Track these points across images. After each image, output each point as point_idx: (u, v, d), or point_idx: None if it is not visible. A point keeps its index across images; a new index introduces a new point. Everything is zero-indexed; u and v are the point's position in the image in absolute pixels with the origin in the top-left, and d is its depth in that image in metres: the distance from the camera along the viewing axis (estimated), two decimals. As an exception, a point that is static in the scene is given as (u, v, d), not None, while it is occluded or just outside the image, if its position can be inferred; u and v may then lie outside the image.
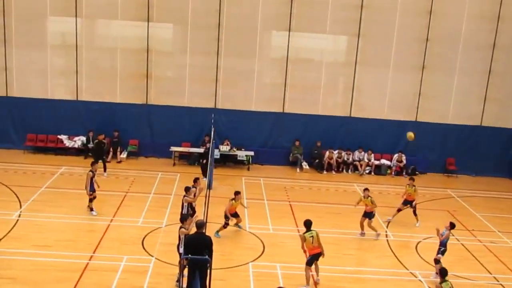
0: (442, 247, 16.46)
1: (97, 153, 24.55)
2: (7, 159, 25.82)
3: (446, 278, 13.45)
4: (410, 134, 21.21)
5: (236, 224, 19.23)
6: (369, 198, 19.21)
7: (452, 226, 16.55)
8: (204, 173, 24.58)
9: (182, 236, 14.07)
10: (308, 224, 15.53)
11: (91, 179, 19.56)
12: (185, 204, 17.83)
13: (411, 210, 20.83)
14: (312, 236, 15.32)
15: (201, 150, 26.28)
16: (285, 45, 27.27)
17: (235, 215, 18.94)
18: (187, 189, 17.97)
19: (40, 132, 27.48)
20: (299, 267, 16.10)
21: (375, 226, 19.41)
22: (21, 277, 14.87)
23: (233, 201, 18.70)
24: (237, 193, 18.91)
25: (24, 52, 27.17)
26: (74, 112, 27.40)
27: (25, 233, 17.64)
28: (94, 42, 27.75)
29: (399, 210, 20.90)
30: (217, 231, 18.35)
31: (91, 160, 25.25)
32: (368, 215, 19.25)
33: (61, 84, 27.69)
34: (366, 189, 19.61)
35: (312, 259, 15.43)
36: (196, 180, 19.01)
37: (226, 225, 18.60)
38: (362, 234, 19.39)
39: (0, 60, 27.03)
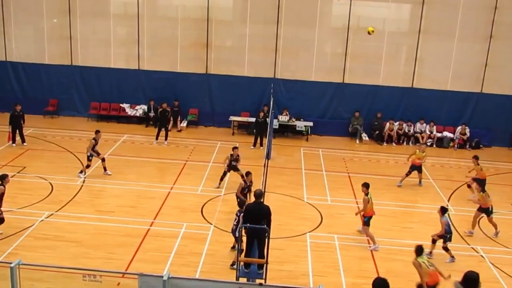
0: (447, 234, 15.41)
1: (160, 122, 24.96)
2: (72, 126, 26.64)
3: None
4: (371, 29, 20.49)
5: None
6: (424, 153, 20.85)
7: (443, 210, 15.40)
8: (254, 143, 24.68)
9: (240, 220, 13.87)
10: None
11: (93, 146, 19.98)
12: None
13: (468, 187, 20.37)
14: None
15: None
16: (346, 14, 26.78)
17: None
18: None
19: (103, 100, 28.16)
20: (356, 239, 16.13)
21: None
22: (85, 241, 15.36)
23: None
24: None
25: (88, 22, 27.70)
26: (135, 81, 27.88)
27: (89, 198, 18.21)
28: (155, 11, 27.97)
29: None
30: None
31: (152, 128, 26.12)
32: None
33: (123, 53, 28.16)
34: (422, 144, 19.52)
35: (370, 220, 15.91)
36: (234, 148, 19.29)
37: None
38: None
39: (64, 29, 27.66)
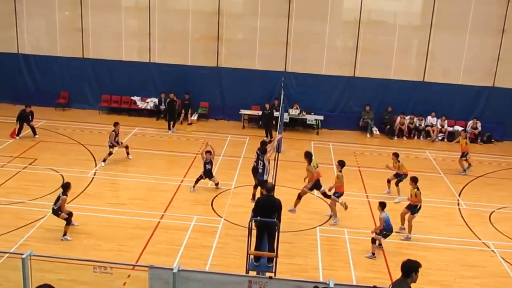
0: (386, 232, 15.20)
1: (169, 112, 25.25)
2: (84, 119, 26.73)
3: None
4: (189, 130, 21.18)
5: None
6: (466, 140, 21.94)
7: (382, 206, 15.16)
8: (266, 134, 24.85)
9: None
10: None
11: (115, 137, 20.69)
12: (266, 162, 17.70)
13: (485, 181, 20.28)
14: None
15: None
16: (357, 7, 26.62)
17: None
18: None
19: (115, 93, 28.21)
20: (366, 233, 16.04)
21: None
22: (96, 233, 15.48)
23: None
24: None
25: (99, 14, 27.74)
26: (146, 74, 27.90)
27: (100, 190, 18.29)
28: (166, 4, 28.00)
29: None
30: None
31: (163, 121, 26.23)
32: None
33: (134, 46, 28.23)
34: (463, 130, 22.73)
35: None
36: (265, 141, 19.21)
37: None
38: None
39: (76, 21, 27.74)
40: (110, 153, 20.80)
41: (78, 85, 28.28)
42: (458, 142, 23.00)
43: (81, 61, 28.08)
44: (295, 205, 17.18)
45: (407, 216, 16.39)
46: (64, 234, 15.06)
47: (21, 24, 28.06)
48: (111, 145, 20.72)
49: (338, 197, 16.96)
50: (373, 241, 15.25)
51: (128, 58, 28.09)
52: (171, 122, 25.56)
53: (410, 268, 8.50)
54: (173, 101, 25.58)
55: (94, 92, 28.42)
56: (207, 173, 18.83)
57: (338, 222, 16.94)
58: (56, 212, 15.19)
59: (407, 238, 16.22)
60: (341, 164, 17.11)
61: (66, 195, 15.26)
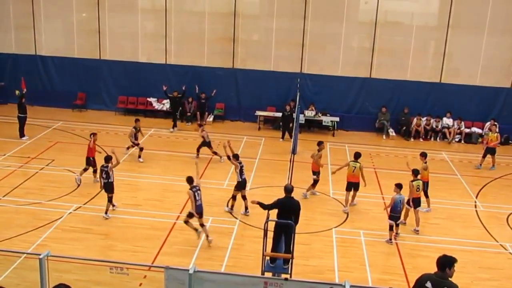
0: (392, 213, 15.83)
1: (173, 109, 26.01)
2: (100, 120, 26.84)
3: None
4: None
5: None
6: (496, 133, 22.41)
7: (399, 187, 15.85)
8: (282, 136, 24.85)
9: None
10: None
11: (134, 134, 21.19)
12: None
13: (502, 183, 20.08)
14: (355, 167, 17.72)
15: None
16: (373, 8, 26.48)
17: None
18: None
19: (131, 94, 28.31)
20: (382, 234, 16.03)
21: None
22: (112, 233, 15.63)
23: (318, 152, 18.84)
24: (320, 143, 19.09)
25: (116, 16, 27.89)
26: (162, 75, 27.87)
27: (116, 191, 18.01)
28: (182, 6, 28.04)
29: None
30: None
31: (178, 122, 26.34)
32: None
33: (151, 47, 28.30)
34: (494, 123, 23.01)
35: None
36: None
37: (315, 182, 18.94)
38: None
39: (93, 23, 27.89)
40: (136, 145, 21.35)
41: (94, 86, 28.44)
42: (482, 139, 22.95)
43: (98, 63, 28.25)
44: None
45: (411, 211, 16.70)
46: (106, 212, 16.50)
47: (38, 25, 28.27)
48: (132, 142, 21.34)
49: (315, 176, 18.97)
50: (390, 227, 15.72)
51: (144, 59, 28.22)
52: (175, 120, 26.07)
53: (446, 263, 8.81)
54: (175, 99, 25.87)
55: (110, 93, 28.54)
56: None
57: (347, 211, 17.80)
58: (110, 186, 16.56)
59: (416, 231, 16.61)
60: (319, 143, 18.97)
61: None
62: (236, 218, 16.92)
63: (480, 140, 26.25)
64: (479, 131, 26.68)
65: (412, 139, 26.61)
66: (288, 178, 15.40)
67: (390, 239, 15.78)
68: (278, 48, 27.50)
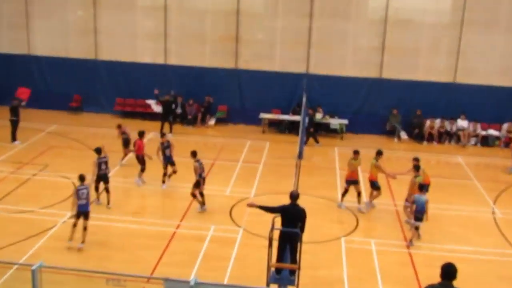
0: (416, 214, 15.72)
1: (162, 114, 24.98)
2: (96, 123, 26.43)
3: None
4: None
5: None
6: None
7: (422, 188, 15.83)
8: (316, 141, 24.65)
9: None
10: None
11: (163, 150, 19.06)
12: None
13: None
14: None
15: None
16: (383, 5, 25.95)
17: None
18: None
19: (129, 96, 27.79)
20: (394, 244, 15.73)
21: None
22: (109, 243, 15.24)
23: (353, 160, 17.98)
24: (356, 152, 18.20)
25: (113, 14, 27.45)
26: (162, 76, 27.31)
27: (114, 198, 17.65)
28: (183, 4, 27.53)
29: None
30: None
31: (179, 126, 26.41)
32: None
33: (150, 47, 27.83)
34: None
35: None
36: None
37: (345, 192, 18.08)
38: None
39: (89, 22, 27.49)
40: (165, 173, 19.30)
41: (91, 88, 27.89)
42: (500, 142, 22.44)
43: (95, 63, 27.78)
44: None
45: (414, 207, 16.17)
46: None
47: (32, 25, 27.82)
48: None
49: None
50: (416, 228, 15.66)
51: (143, 59, 27.69)
52: (169, 126, 24.66)
53: (453, 273, 8.68)
54: (168, 102, 24.96)
55: (107, 95, 27.96)
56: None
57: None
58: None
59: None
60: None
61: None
62: (239, 226, 16.40)
63: (497, 143, 25.48)
64: (496, 133, 25.93)
65: (425, 142, 25.87)
66: (294, 184, 14.65)
67: (411, 241, 15.61)
68: (283, 47, 27.05)
